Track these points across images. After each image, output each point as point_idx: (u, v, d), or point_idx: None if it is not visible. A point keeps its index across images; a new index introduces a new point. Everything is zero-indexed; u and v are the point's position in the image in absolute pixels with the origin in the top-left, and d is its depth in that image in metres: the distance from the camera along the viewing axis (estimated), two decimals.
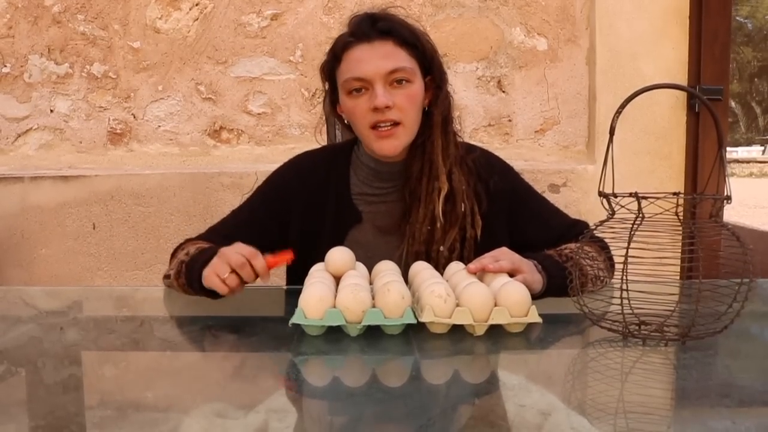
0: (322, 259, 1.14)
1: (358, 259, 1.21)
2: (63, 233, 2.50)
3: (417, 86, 1.31)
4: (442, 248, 1.31)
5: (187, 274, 1.19)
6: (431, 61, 1.34)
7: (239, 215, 1.44)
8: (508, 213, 1.40)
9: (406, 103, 1.29)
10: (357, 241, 1.35)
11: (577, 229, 1.38)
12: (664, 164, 2.44)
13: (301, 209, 1.39)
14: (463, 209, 1.33)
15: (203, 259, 1.17)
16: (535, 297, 1.15)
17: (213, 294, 1.13)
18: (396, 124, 1.29)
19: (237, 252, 1.11)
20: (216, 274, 1.09)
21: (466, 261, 1.29)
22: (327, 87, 1.42)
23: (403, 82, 1.29)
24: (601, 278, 1.25)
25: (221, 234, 1.36)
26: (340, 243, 1.34)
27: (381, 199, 1.39)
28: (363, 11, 1.36)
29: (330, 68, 1.37)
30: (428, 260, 1.28)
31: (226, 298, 1.10)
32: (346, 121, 1.40)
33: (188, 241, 1.38)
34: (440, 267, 1.24)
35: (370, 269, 1.18)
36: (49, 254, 2.51)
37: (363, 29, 1.30)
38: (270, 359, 0.91)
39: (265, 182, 1.47)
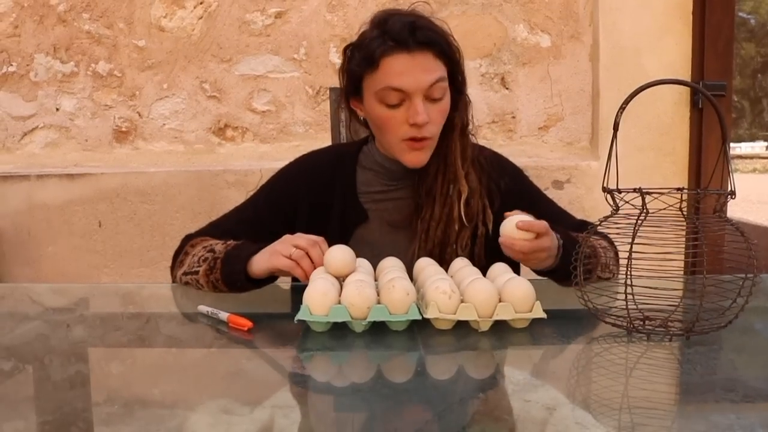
0: None
1: (364, 257, 1.20)
2: (69, 231, 2.51)
3: (448, 99, 1.31)
4: (455, 246, 1.32)
5: (226, 268, 1.21)
6: (456, 66, 1.33)
7: (243, 212, 1.44)
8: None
9: (440, 119, 1.29)
10: (363, 240, 1.35)
11: (583, 230, 1.38)
12: (667, 160, 2.44)
13: (307, 209, 1.39)
14: (476, 209, 1.34)
15: (247, 253, 1.20)
16: (546, 271, 1.22)
17: (250, 286, 1.21)
18: (428, 138, 1.29)
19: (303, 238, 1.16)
20: (286, 255, 1.14)
21: (476, 258, 1.31)
22: (346, 82, 1.36)
23: (439, 96, 1.27)
24: (610, 268, 1.28)
25: (222, 229, 1.37)
26: (346, 242, 1.34)
27: (389, 196, 1.39)
28: (394, 11, 1.32)
29: (359, 71, 1.30)
30: (441, 260, 1.27)
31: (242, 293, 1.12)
32: (361, 118, 1.38)
33: (190, 237, 1.38)
34: None
35: (376, 268, 1.18)
36: (56, 252, 2.52)
37: (403, 37, 1.24)
38: (275, 355, 0.92)
39: (270, 181, 1.46)
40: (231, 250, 1.24)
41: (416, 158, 1.31)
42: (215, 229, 1.40)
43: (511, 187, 1.41)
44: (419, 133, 1.26)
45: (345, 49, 1.35)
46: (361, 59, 1.29)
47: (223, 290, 1.23)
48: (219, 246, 1.27)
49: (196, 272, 1.25)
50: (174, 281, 1.36)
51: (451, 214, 1.32)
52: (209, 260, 1.24)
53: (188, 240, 1.38)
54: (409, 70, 1.24)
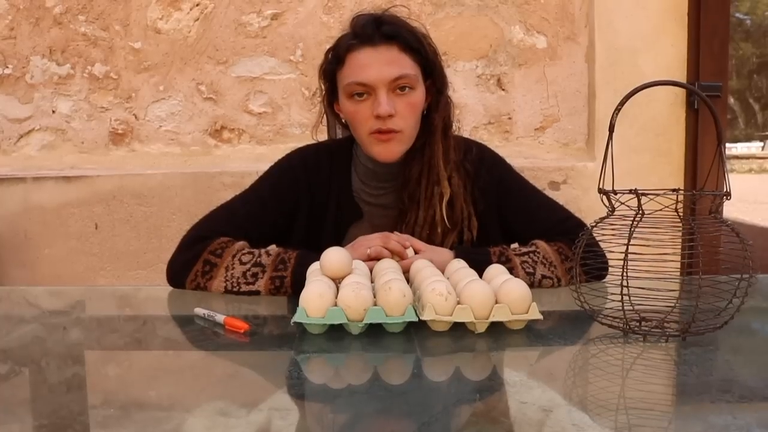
0: None
1: None
2: (66, 233, 2.51)
3: (419, 93, 1.31)
4: None
5: (297, 287, 1.14)
6: (433, 65, 1.33)
7: (249, 205, 1.40)
8: (497, 207, 1.40)
9: (408, 112, 1.29)
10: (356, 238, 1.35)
11: (567, 225, 1.37)
12: (663, 161, 2.45)
13: (307, 204, 1.40)
14: (461, 213, 1.34)
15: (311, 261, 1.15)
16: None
17: None
18: (395, 131, 1.28)
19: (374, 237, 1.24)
20: (365, 258, 1.19)
21: None
22: (326, 86, 1.40)
23: (406, 89, 1.28)
24: (546, 286, 1.26)
25: (234, 225, 1.33)
26: (341, 239, 1.34)
27: (378, 201, 1.40)
28: (367, 11, 1.34)
29: (331, 69, 1.35)
30: None
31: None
32: (343, 120, 1.40)
33: (202, 239, 1.29)
34: None
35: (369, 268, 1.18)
36: (52, 254, 2.52)
37: (367, 32, 1.28)
38: (272, 358, 0.91)
39: (271, 174, 1.44)
40: (298, 268, 1.20)
41: (384, 151, 1.31)
42: (227, 227, 1.33)
43: (488, 181, 1.40)
44: (384, 125, 1.27)
45: (326, 53, 1.37)
46: (331, 59, 1.34)
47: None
48: (264, 258, 1.24)
49: (255, 292, 1.21)
50: (178, 286, 1.29)
51: (435, 217, 1.32)
52: (278, 279, 1.21)
53: (199, 242, 1.29)
54: (372, 63, 1.26)
